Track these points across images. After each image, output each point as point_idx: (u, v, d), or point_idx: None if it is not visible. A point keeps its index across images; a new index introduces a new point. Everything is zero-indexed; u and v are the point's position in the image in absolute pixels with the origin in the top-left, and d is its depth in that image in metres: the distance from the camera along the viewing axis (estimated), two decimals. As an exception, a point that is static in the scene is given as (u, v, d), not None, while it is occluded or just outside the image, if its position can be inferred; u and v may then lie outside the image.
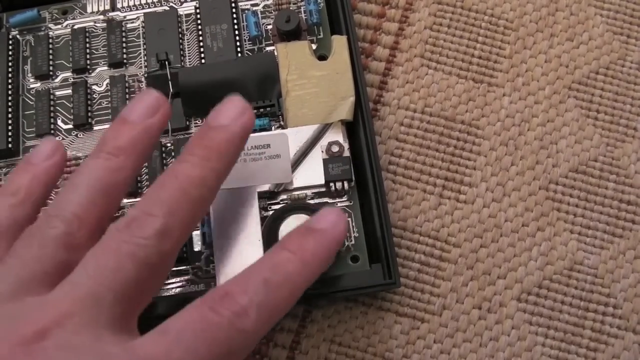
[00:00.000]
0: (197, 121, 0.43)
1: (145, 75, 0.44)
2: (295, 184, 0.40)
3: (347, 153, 0.40)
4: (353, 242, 0.40)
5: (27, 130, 0.44)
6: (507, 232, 0.42)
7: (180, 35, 0.45)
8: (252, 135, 0.40)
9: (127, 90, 0.44)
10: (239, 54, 0.44)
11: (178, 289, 0.39)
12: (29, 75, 0.45)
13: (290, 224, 0.38)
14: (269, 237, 0.39)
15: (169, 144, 0.42)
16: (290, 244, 0.32)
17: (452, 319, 0.40)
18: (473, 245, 0.42)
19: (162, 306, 0.38)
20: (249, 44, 0.44)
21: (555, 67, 0.45)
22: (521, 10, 0.46)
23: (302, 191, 0.40)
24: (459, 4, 0.47)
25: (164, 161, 0.42)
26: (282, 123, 0.42)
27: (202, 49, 0.44)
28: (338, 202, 0.40)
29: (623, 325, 0.40)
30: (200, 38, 0.44)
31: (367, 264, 0.39)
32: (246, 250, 0.38)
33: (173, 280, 0.40)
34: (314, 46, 0.43)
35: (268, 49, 0.44)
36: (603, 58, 0.46)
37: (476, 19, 0.47)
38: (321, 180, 0.40)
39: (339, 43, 0.42)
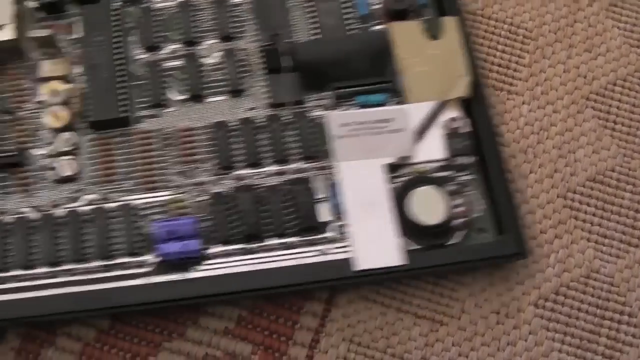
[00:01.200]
0: (313, 95, 0.43)
1: (260, 49, 0.45)
2: (417, 158, 0.41)
3: (466, 128, 0.42)
4: (479, 214, 0.41)
5: (137, 100, 0.44)
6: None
7: (290, 9, 0.45)
8: (374, 109, 0.42)
9: (238, 64, 0.44)
10: (350, 32, 0.45)
11: (310, 259, 0.40)
12: (136, 46, 0.45)
13: (418, 195, 0.40)
14: (399, 208, 0.40)
15: (287, 117, 0.43)
16: None
17: (471, 323, 0.41)
18: (492, 251, 0.42)
19: (297, 276, 0.39)
20: (357, 22, 0.45)
21: (573, 77, 0.46)
22: (540, 20, 0.47)
23: (424, 165, 0.42)
24: (479, 12, 0.48)
25: (282, 133, 0.43)
26: (400, 99, 0.43)
27: (314, 25, 0.45)
28: (460, 175, 0.42)
29: (638, 333, 0.41)
30: (312, 14, 0.45)
31: (494, 236, 0.41)
32: (378, 221, 0.40)
33: (304, 249, 0.40)
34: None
35: (376, 28, 0.45)
36: (620, 70, 0.46)
37: (496, 27, 0.47)
38: (443, 154, 0.41)
39: (450, 24, 0.44)
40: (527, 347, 0.40)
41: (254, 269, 0.40)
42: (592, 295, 0.41)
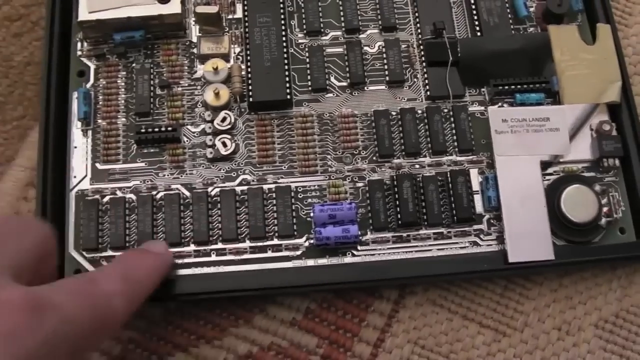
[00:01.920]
0: (471, 90, 0.45)
1: (421, 42, 0.46)
2: (569, 157, 0.43)
3: (615, 132, 0.43)
4: (620, 215, 0.43)
5: (299, 84, 0.45)
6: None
7: (451, 5, 0.47)
8: (532, 107, 0.44)
9: (401, 55, 0.45)
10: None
11: (461, 250, 0.42)
12: (297, 30, 0.46)
13: (571, 193, 0.41)
14: (551, 203, 0.41)
15: (445, 110, 0.44)
16: (134, 255, 0.38)
17: (533, 337, 0.42)
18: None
19: (449, 265, 0.41)
20: (514, 23, 0.47)
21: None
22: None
23: (574, 164, 0.43)
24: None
25: (441, 125, 0.44)
26: (552, 100, 0.45)
27: (476, 22, 0.46)
28: (606, 177, 0.43)
29: (692, 362, 0.42)
30: (474, 11, 0.46)
31: (633, 236, 0.43)
32: (532, 215, 0.41)
33: (456, 240, 0.42)
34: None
35: (530, 29, 0.47)
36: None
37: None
38: (591, 155, 0.44)
39: (604, 31, 0.45)
40: (584, 365, 0.42)
41: (407, 257, 0.41)
42: (650, 321, 0.43)
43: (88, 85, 0.44)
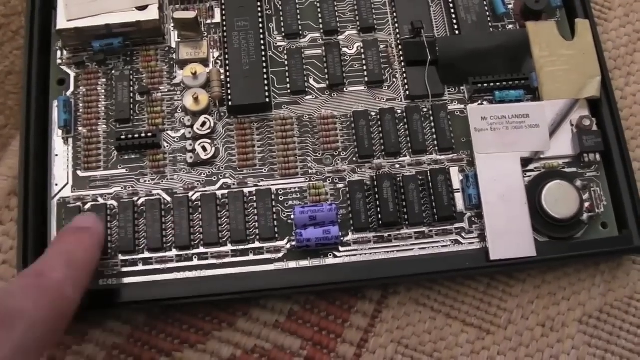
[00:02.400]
0: (450, 89, 0.45)
1: (400, 41, 0.46)
2: (549, 153, 0.43)
3: (595, 127, 0.43)
4: (602, 210, 0.43)
5: (278, 86, 0.45)
6: (574, 257, 0.44)
7: (430, 4, 0.47)
8: (512, 104, 0.44)
9: (380, 55, 0.45)
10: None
11: (443, 248, 0.42)
12: (275, 33, 0.46)
13: (552, 189, 0.41)
14: (532, 200, 0.42)
15: (425, 109, 0.44)
16: (70, 237, 0.39)
17: (517, 334, 0.42)
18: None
19: (431, 264, 0.41)
20: (492, 20, 0.47)
21: (629, 104, 0.47)
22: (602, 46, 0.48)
23: (555, 160, 0.43)
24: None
25: (420, 125, 0.44)
26: (532, 96, 0.45)
27: (454, 21, 0.46)
28: (587, 172, 0.43)
29: (677, 356, 0.42)
30: (452, 10, 0.46)
31: (615, 230, 0.43)
32: (513, 212, 0.41)
33: (437, 239, 0.42)
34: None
35: (509, 26, 0.47)
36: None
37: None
38: (572, 150, 0.44)
39: (583, 26, 0.46)
40: (569, 361, 0.42)
41: (389, 257, 0.41)
42: (634, 316, 0.43)
43: (68, 93, 0.44)
